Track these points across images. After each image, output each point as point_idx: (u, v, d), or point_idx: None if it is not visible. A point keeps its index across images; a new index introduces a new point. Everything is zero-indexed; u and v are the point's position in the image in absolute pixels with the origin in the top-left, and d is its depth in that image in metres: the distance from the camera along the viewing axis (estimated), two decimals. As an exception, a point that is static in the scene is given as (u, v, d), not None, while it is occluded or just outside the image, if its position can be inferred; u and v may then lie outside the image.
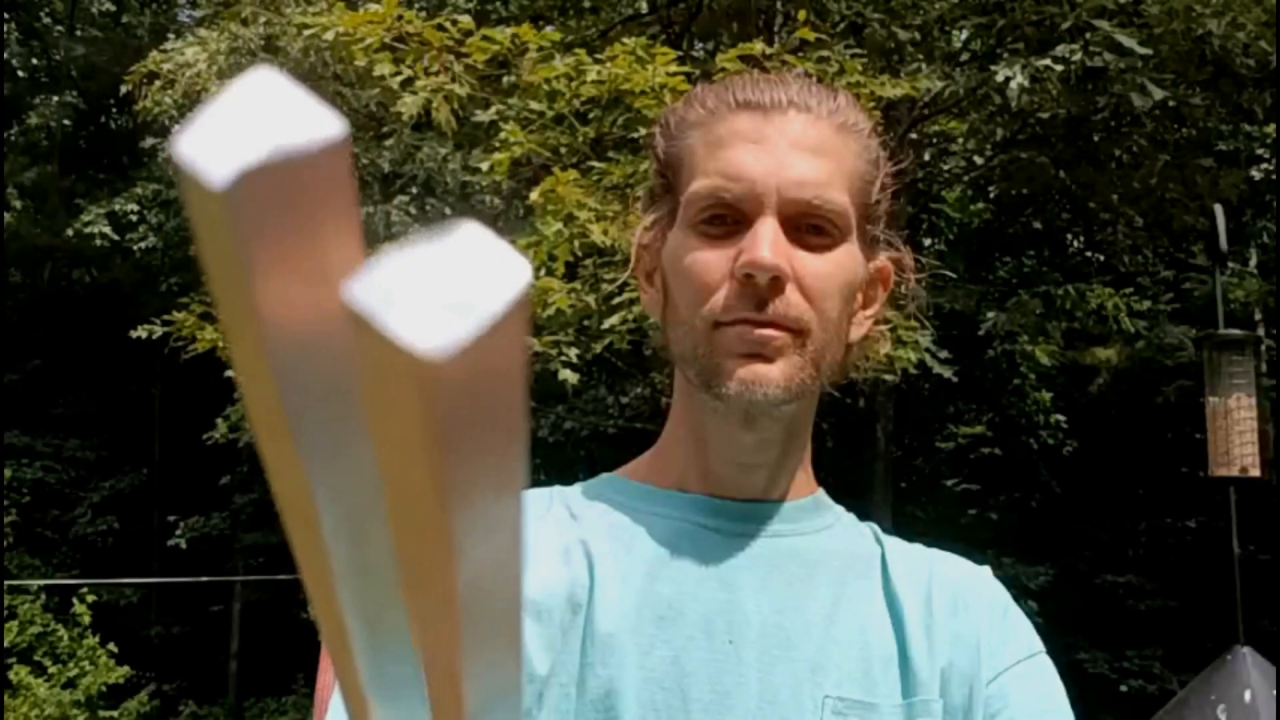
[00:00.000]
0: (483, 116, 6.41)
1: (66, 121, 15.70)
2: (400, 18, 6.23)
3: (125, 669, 12.01)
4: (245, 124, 0.22)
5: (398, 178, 9.20)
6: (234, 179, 0.21)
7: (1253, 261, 11.97)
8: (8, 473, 13.39)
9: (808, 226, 0.89)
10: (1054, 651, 0.98)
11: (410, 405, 0.22)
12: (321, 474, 0.24)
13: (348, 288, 0.22)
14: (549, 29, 7.27)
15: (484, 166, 6.18)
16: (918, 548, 1.01)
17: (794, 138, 0.90)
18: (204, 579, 13.02)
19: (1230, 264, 9.71)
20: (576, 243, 5.72)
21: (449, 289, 0.22)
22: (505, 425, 0.24)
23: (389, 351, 0.21)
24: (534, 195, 5.83)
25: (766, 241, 0.86)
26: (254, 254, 0.22)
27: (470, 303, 0.22)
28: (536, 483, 1.05)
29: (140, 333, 7.50)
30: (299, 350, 0.23)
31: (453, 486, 0.23)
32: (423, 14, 7.02)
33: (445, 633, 0.25)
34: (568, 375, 6.09)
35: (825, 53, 6.42)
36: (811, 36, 6.22)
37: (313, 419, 0.24)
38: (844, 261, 0.91)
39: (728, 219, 0.89)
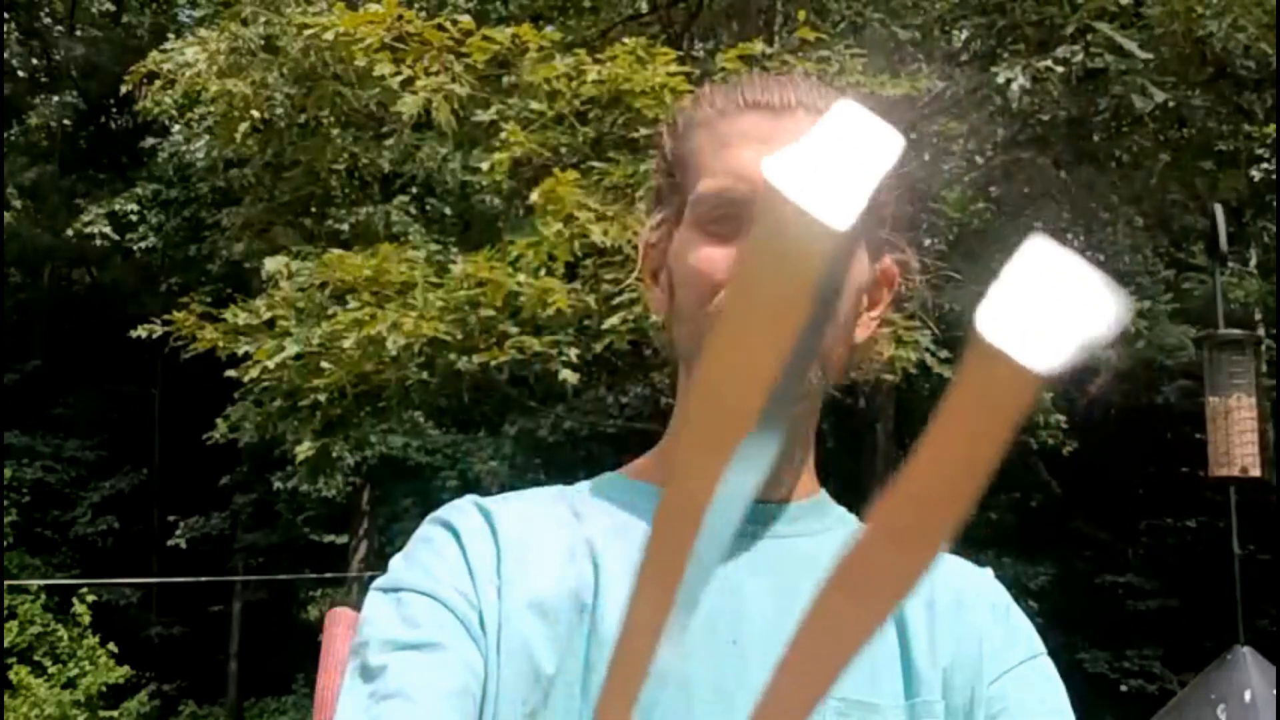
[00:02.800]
0: (483, 116, 6.40)
1: (66, 121, 15.69)
2: (400, 18, 6.23)
3: (125, 669, 12.00)
4: (848, 163, 0.26)
5: (398, 178, 9.19)
6: (853, 222, 0.26)
7: (1253, 261, 11.95)
8: (8, 473, 13.38)
9: (814, 228, 0.89)
10: (1054, 651, 0.99)
11: (1010, 409, 0.26)
12: (730, 480, 0.28)
13: (980, 317, 0.25)
14: (549, 29, 7.27)
15: (484, 166, 6.18)
16: (920, 548, 1.01)
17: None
18: (204, 579, 13.02)
19: (1230, 264, 9.69)
20: (576, 243, 5.71)
21: (1063, 313, 0.25)
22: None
23: (1011, 368, 0.25)
24: (534, 195, 5.84)
25: None
26: (843, 270, 0.27)
27: (1074, 335, 0.25)
28: (537, 482, 1.05)
29: (140, 333, 7.48)
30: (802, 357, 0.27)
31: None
32: (423, 14, 7.01)
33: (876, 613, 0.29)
34: (568, 375, 6.09)
35: (825, 52, 6.43)
36: (811, 36, 6.23)
37: (773, 427, 0.28)
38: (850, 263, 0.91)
39: (735, 218, 0.89)
